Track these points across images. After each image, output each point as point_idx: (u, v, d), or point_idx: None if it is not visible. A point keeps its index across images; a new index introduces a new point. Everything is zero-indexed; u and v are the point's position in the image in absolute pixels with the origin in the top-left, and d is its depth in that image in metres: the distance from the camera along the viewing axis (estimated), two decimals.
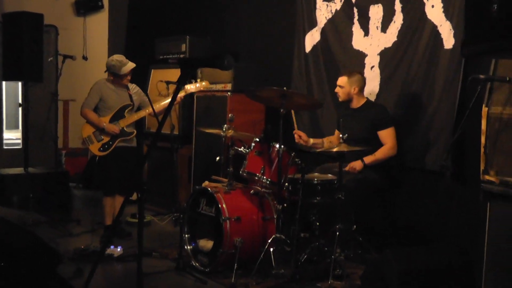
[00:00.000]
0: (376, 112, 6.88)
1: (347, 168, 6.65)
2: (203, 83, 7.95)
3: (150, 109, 7.65)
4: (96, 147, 7.61)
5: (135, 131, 7.75)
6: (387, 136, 6.76)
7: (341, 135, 6.31)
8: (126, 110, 7.67)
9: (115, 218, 7.66)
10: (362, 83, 7.02)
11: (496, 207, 4.80)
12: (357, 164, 6.70)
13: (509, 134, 4.70)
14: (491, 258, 4.82)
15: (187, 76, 3.80)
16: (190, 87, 7.84)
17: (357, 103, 7.03)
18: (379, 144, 6.76)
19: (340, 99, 7.09)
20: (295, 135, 7.20)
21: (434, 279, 5.35)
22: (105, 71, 7.80)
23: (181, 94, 7.83)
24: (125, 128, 7.63)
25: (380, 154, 6.73)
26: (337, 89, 7.07)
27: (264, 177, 6.43)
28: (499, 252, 4.77)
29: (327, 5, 8.02)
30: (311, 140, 7.26)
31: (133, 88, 7.88)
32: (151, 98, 7.66)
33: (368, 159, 6.69)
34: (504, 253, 4.72)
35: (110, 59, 7.73)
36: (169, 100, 7.72)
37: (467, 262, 5.49)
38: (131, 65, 7.63)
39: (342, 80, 7.03)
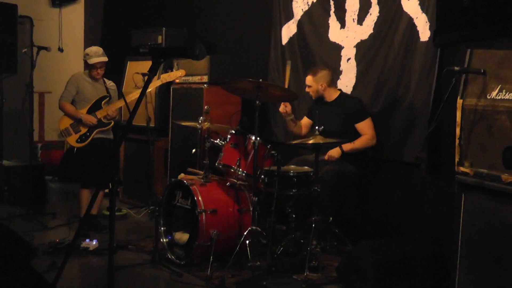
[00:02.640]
0: (351, 105, 6.90)
1: (326, 157, 6.64)
2: (179, 73, 7.95)
3: (122, 103, 7.66)
4: (74, 139, 7.62)
5: (113, 122, 7.73)
6: (365, 127, 6.78)
7: (317, 127, 6.30)
8: (103, 102, 7.69)
9: (86, 211, 7.63)
10: (329, 77, 7.04)
11: (470, 198, 4.81)
12: (335, 152, 6.70)
13: (484, 125, 4.71)
14: (465, 249, 4.83)
15: (159, 66, 3.76)
16: (165, 77, 7.84)
17: (330, 97, 7.06)
18: (355, 137, 6.77)
19: (313, 97, 7.13)
20: (282, 104, 7.15)
21: (409, 270, 5.38)
22: (83, 59, 7.80)
23: (157, 84, 7.84)
24: (102, 119, 7.62)
25: (359, 142, 6.74)
26: (307, 89, 7.11)
27: (240, 169, 6.42)
28: (473, 243, 4.78)
29: None
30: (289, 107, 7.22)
31: (110, 83, 7.92)
32: (127, 90, 7.65)
33: (346, 146, 6.69)
34: (478, 244, 4.73)
35: (88, 48, 7.83)
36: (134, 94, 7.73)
37: (441, 253, 5.52)
38: (101, 58, 7.67)
39: (308, 80, 7.09)
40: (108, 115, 7.65)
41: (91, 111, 7.67)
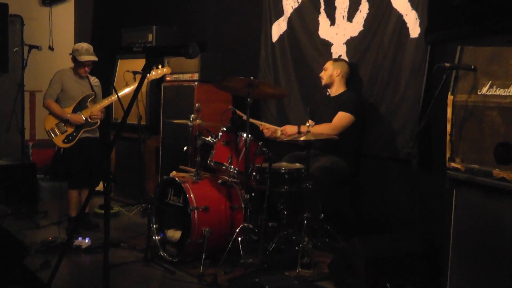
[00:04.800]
0: (346, 96, 6.95)
1: (279, 132, 6.89)
2: (164, 69, 7.96)
3: (112, 99, 7.64)
4: (60, 139, 7.55)
5: (99, 122, 7.70)
6: (339, 118, 6.79)
7: (308, 124, 6.31)
8: (89, 100, 7.64)
9: (80, 209, 7.61)
10: (346, 69, 7.08)
11: (461, 194, 4.83)
12: (290, 129, 6.84)
13: (474, 121, 4.73)
14: (457, 244, 4.86)
15: (153, 65, 3.77)
16: (152, 74, 7.83)
17: (336, 91, 7.08)
18: (346, 133, 6.77)
19: (322, 83, 7.13)
20: (264, 131, 7.20)
21: (400, 267, 5.40)
22: (70, 54, 7.77)
23: None
24: (88, 119, 7.59)
25: (317, 128, 6.68)
26: (322, 73, 7.15)
27: (232, 167, 6.43)
28: (465, 238, 4.81)
29: None
30: (279, 131, 7.29)
31: (93, 79, 7.88)
32: (118, 88, 7.63)
33: (304, 128, 6.62)
34: (469, 239, 4.76)
35: (78, 44, 7.76)
36: (129, 88, 7.69)
37: (432, 249, 5.55)
38: (91, 57, 7.62)
39: (327, 64, 7.13)
40: (92, 116, 7.60)
41: (77, 110, 7.60)
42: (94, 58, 7.62)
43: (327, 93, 7.24)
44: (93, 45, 7.77)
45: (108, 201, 3.69)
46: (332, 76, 7.05)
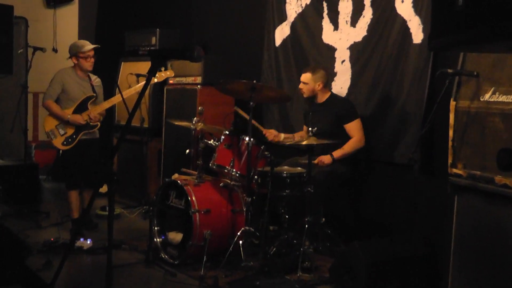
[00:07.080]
0: (340, 105, 6.94)
1: (316, 161, 6.67)
2: (168, 72, 7.96)
3: (112, 101, 7.60)
4: (60, 141, 7.47)
5: (99, 124, 7.64)
6: (353, 128, 6.81)
7: (310, 128, 6.33)
8: (89, 102, 7.55)
9: (83, 211, 7.59)
10: (326, 77, 7.07)
11: (463, 199, 4.85)
12: (325, 158, 6.73)
13: (477, 127, 4.75)
14: (458, 250, 4.87)
15: (158, 68, 3.78)
16: (154, 78, 7.80)
17: (321, 98, 7.08)
18: (346, 137, 6.79)
19: (304, 96, 7.14)
20: (267, 135, 7.22)
21: (401, 270, 5.42)
22: (68, 58, 7.69)
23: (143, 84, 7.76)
24: (88, 121, 7.51)
25: (348, 147, 6.76)
26: (301, 86, 7.10)
27: (234, 170, 6.44)
28: (466, 244, 4.82)
29: None
30: (282, 135, 7.31)
31: (95, 79, 7.79)
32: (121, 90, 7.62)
33: (336, 153, 6.73)
34: (471, 245, 4.77)
35: (72, 43, 7.71)
36: (131, 89, 7.68)
37: (432, 253, 5.56)
38: (93, 45, 7.56)
39: (306, 77, 7.07)
40: (91, 119, 7.48)
41: (77, 111, 7.48)
42: (96, 45, 7.58)
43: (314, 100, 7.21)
44: (96, 47, 7.76)
45: (112, 203, 3.70)
46: (315, 90, 7.04)
